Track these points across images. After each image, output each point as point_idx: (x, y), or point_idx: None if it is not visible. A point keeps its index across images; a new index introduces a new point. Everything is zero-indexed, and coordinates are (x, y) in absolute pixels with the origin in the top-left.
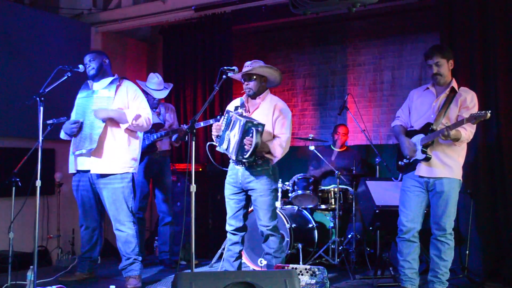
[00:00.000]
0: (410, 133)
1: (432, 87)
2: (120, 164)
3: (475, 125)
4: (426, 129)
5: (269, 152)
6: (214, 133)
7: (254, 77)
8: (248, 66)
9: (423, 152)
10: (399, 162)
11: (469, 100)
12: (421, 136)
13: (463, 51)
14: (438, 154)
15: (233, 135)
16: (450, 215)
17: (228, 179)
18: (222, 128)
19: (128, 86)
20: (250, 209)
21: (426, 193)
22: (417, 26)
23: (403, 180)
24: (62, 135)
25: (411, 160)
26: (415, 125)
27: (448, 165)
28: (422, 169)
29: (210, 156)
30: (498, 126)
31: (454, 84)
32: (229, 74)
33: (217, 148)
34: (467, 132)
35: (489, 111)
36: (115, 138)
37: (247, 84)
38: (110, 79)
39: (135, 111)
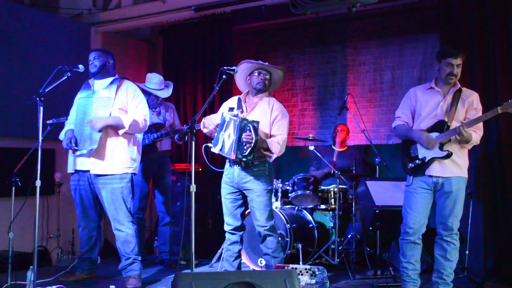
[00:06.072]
0: None
1: (436, 87)
2: (119, 165)
3: (482, 129)
4: (441, 127)
5: (267, 149)
6: (205, 123)
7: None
8: (269, 65)
9: (442, 149)
10: (410, 164)
11: (476, 102)
12: (436, 134)
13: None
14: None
15: (228, 135)
16: (457, 215)
17: (224, 179)
18: (216, 128)
19: (128, 86)
20: (247, 211)
21: (433, 194)
22: (417, 26)
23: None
24: (61, 136)
25: (426, 160)
26: (422, 124)
27: (459, 164)
28: (435, 169)
29: (205, 158)
30: (498, 126)
31: (459, 84)
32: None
33: (212, 149)
34: (477, 135)
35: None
36: (115, 138)
37: (265, 75)
38: (110, 79)
39: (132, 113)
